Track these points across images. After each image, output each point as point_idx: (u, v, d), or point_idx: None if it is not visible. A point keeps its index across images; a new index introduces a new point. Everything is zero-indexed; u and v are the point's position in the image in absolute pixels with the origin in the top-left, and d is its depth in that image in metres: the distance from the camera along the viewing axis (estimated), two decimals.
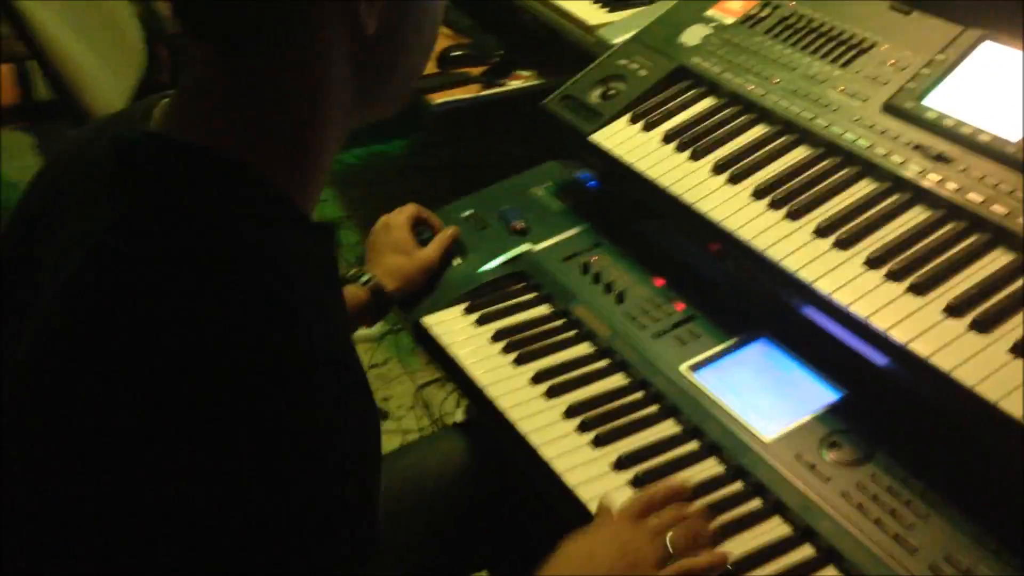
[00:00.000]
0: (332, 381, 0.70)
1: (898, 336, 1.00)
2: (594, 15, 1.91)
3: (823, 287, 1.08)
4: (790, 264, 1.12)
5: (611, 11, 1.93)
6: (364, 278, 1.36)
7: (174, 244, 0.70)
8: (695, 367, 1.20)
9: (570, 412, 1.18)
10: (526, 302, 1.37)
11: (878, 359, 1.07)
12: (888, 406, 1.09)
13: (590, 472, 1.10)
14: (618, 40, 1.81)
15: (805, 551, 0.99)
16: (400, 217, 1.44)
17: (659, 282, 1.34)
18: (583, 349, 1.28)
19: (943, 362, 0.96)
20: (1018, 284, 1.00)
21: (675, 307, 1.30)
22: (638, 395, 1.20)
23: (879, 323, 1.02)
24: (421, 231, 1.48)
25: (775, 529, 1.01)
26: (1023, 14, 1.23)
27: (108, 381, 0.65)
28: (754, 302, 1.26)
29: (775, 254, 1.13)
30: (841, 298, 1.06)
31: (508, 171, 1.66)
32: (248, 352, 0.65)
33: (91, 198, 0.77)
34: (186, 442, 0.63)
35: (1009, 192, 1.06)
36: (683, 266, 1.35)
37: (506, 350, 1.29)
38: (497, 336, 1.31)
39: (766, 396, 1.15)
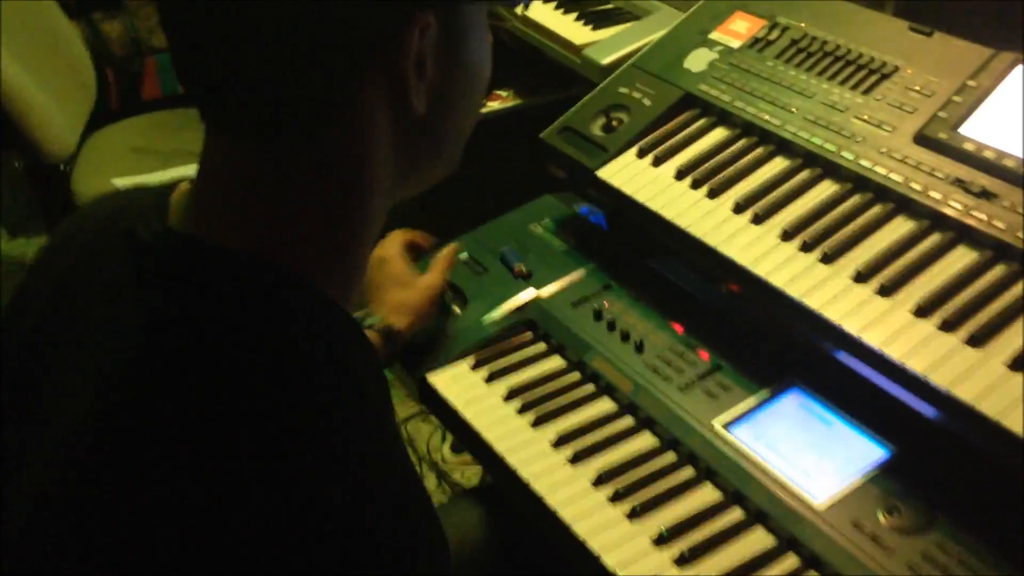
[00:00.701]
0: (397, 492, 0.64)
1: (963, 395, 0.93)
2: (579, 34, 1.83)
3: (871, 340, 1.00)
4: (831, 314, 1.04)
5: (595, 29, 1.85)
6: (371, 320, 1.26)
7: (220, 358, 0.62)
8: (729, 423, 1.12)
9: (600, 480, 1.09)
10: (537, 355, 1.28)
11: (927, 411, 1.00)
12: (944, 464, 1.02)
13: (630, 550, 1.01)
14: (607, 60, 1.73)
15: None
16: (392, 249, 1.34)
17: (678, 328, 1.26)
18: (604, 406, 1.19)
19: (1016, 424, 0.89)
20: None
21: (699, 356, 1.22)
22: (670, 457, 1.12)
23: (939, 380, 0.95)
24: (417, 254, 1.39)
25: None
26: None
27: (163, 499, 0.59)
28: (782, 348, 1.19)
29: (813, 303, 1.06)
30: (893, 352, 0.99)
31: (479, 190, 1.59)
32: (331, 457, 0.60)
33: (112, 307, 0.68)
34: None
35: None
36: (703, 309, 1.27)
37: (521, 411, 1.20)
38: (510, 395, 1.22)
39: (810, 454, 1.08)
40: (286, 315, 0.65)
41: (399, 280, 1.31)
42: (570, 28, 1.85)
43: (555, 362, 1.27)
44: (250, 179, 0.66)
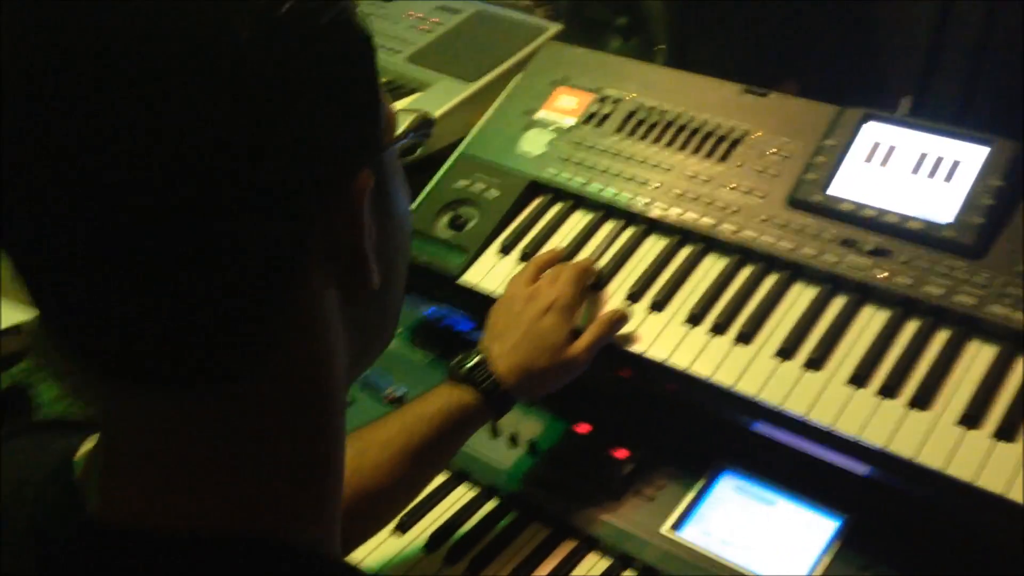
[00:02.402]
0: None
1: (930, 462, 0.93)
2: None
3: (822, 420, 0.99)
4: (771, 399, 1.02)
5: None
6: (472, 362, 1.05)
7: None
8: (676, 525, 1.07)
9: None
10: (441, 488, 1.16)
11: (860, 469, 1.00)
12: (899, 523, 1.03)
13: None
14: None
15: None
16: (562, 295, 1.09)
17: (584, 428, 1.19)
18: (538, 534, 1.10)
19: (991, 484, 0.91)
20: (1017, 378, 0.97)
21: (616, 456, 1.16)
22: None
23: (901, 451, 0.95)
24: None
25: None
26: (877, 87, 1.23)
27: None
28: (700, 432, 1.16)
29: (750, 389, 1.03)
30: (847, 428, 0.98)
31: None
32: None
33: None
34: None
35: (966, 279, 1.03)
36: (602, 403, 1.21)
37: (450, 559, 1.08)
38: (431, 544, 1.09)
39: (768, 541, 1.05)
40: None
41: (544, 338, 1.06)
42: None
43: (463, 492, 1.16)
44: (190, 441, 0.52)
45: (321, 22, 0.50)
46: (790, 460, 1.07)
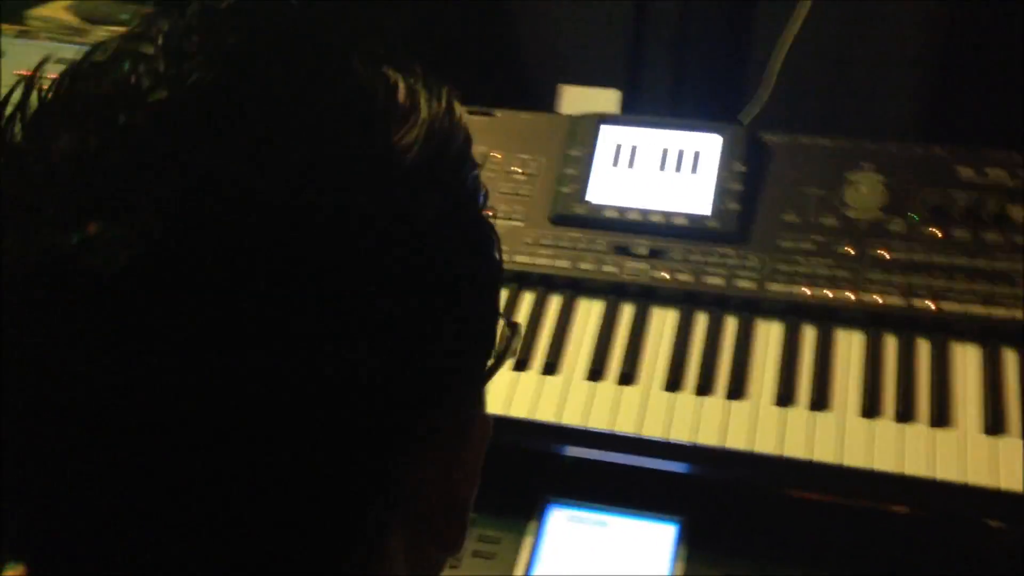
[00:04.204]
0: None
1: (765, 449, 0.96)
2: None
3: (653, 434, 0.98)
4: (598, 424, 1.00)
5: None
6: None
7: None
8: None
9: None
10: None
11: (682, 469, 1.02)
12: (735, 515, 1.05)
13: None
14: None
15: None
16: None
17: None
18: None
19: (823, 455, 0.95)
20: (811, 348, 1.03)
21: None
22: None
23: (736, 444, 0.97)
24: None
25: None
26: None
27: None
28: (512, 469, 1.11)
29: (573, 420, 1.00)
30: (679, 436, 0.98)
31: None
32: None
33: None
34: None
35: (740, 264, 1.07)
36: None
37: None
38: None
39: (619, 562, 1.03)
40: None
41: None
42: None
43: None
44: None
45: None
46: (609, 477, 1.05)
